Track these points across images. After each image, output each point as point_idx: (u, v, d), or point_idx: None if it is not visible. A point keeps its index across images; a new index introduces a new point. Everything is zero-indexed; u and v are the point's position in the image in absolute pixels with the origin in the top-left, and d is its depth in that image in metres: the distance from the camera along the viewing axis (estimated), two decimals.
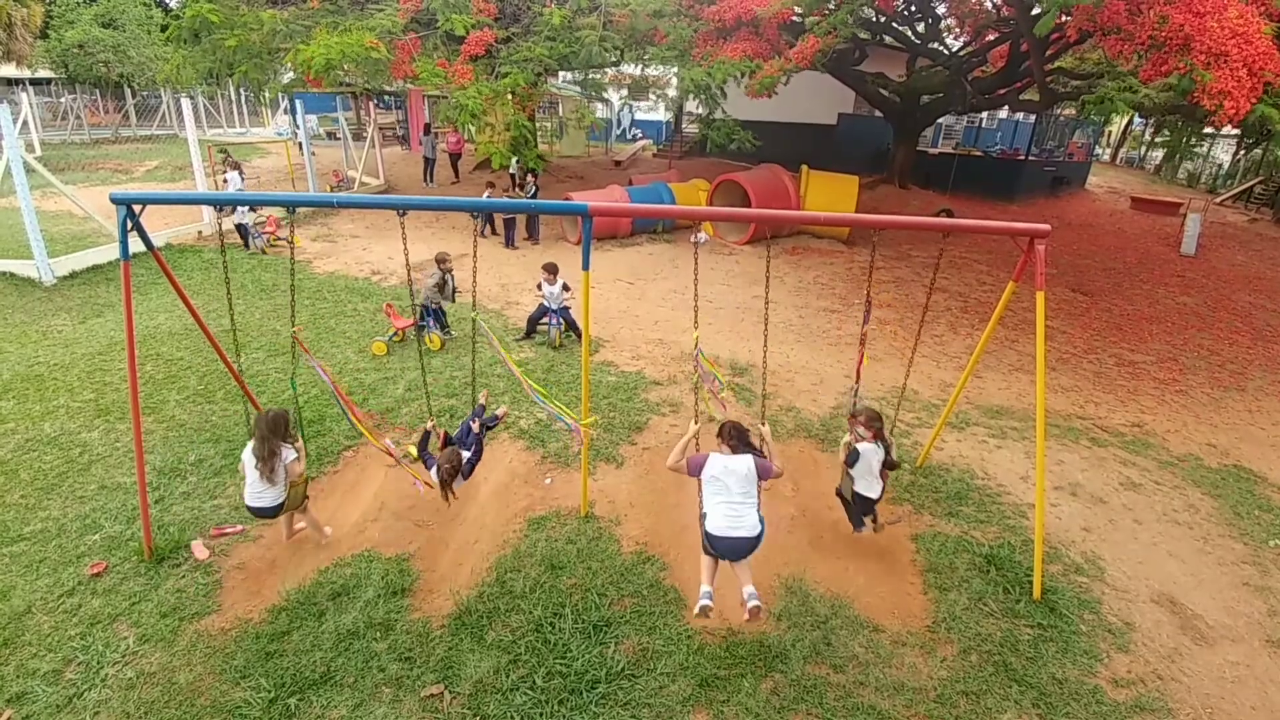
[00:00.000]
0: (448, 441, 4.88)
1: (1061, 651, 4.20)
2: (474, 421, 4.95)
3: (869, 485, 4.72)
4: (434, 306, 8.46)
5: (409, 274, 4.76)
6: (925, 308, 5.21)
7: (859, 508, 4.83)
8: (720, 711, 3.71)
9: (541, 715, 3.63)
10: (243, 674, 3.83)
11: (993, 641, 4.24)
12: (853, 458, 4.69)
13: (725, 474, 4.03)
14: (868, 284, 4.85)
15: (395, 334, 8.35)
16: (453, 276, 8.51)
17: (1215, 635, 4.51)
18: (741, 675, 3.92)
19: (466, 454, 4.68)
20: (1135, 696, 3.95)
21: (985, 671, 4.03)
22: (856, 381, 5.08)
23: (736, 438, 4.23)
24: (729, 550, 3.96)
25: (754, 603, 3.83)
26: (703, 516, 4.06)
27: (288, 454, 4.36)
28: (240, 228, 12.21)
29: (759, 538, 3.98)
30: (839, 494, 4.99)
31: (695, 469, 4.14)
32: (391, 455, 4.93)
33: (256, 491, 4.34)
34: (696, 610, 3.85)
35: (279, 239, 12.59)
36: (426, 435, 4.93)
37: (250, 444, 4.33)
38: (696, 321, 4.73)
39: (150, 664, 3.89)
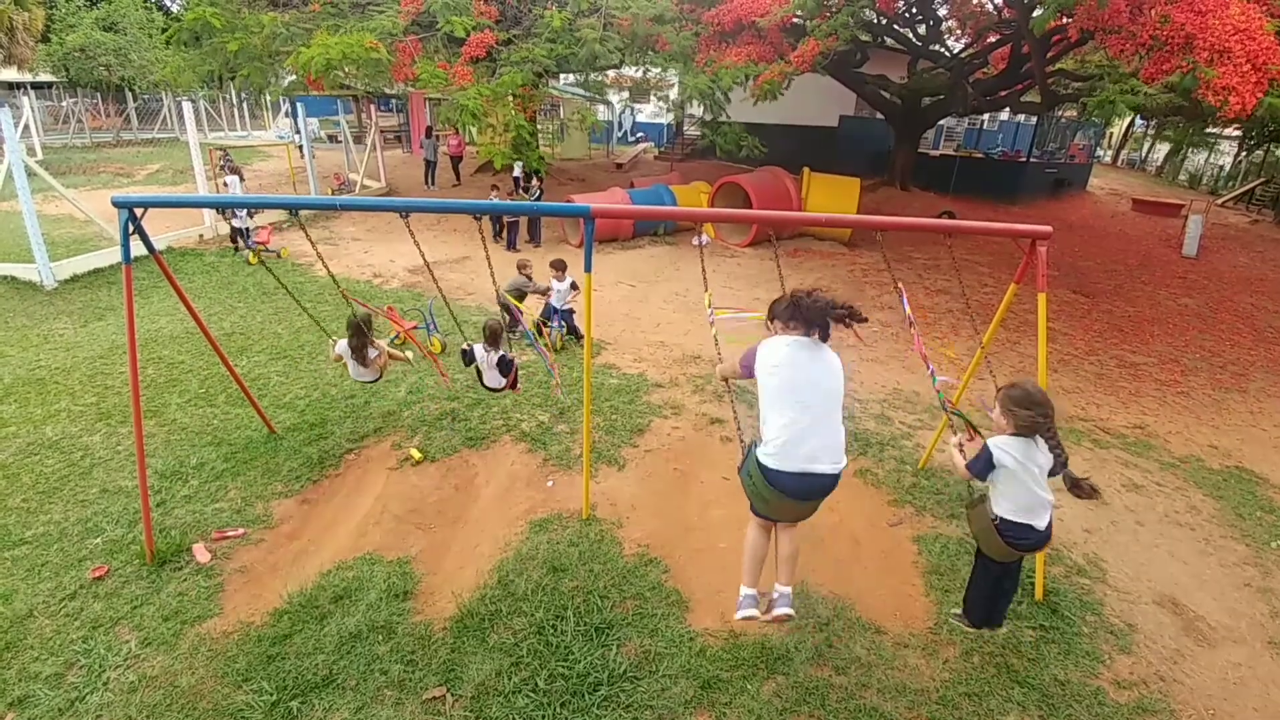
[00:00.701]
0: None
1: (1064, 653, 4.20)
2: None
3: (1027, 507, 3.07)
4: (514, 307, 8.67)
5: (431, 272, 4.82)
6: (965, 301, 5.17)
7: (1004, 547, 3.14)
8: (723, 714, 3.70)
9: (544, 718, 3.62)
10: (245, 677, 3.83)
11: (995, 643, 4.23)
12: (982, 462, 3.10)
13: (798, 370, 2.87)
14: (892, 278, 4.85)
15: (397, 336, 8.35)
16: (566, 282, 8.62)
17: (1217, 637, 4.50)
18: (744, 677, 3.91)
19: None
20: (1138, 698, 3.95)
21: (987, 673, 4.02)
22: (928, 365, 4.28)
23: (817, 311, 2.95)
24: (801, 490, 2.90)
25: (784, 610, 3.10)
26: (750, 447, 2.99)
27: (372, 352, 5.59)
28: (239, 231, 12.07)
29: (838, 476, 2.93)
30: (981, 545, 3.31)
31: (749, 363, 3.14)
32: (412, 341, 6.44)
33: (359, 374, 5.73)
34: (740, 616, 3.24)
35: (269, 251, 12.22)
36: (466, 352, 5.67)
37: (344, 341, 5.59)
38: (707, 287, 4.51)
39: (152, 667, 3.89)
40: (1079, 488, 3.03)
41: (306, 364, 7.80)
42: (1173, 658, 4.28)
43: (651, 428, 6.65)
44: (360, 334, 5.54)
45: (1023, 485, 3.08)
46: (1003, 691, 3.90)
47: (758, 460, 2.94)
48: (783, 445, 2.86)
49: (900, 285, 4.51)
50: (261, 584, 4.60)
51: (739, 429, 3.44)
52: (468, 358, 5.66)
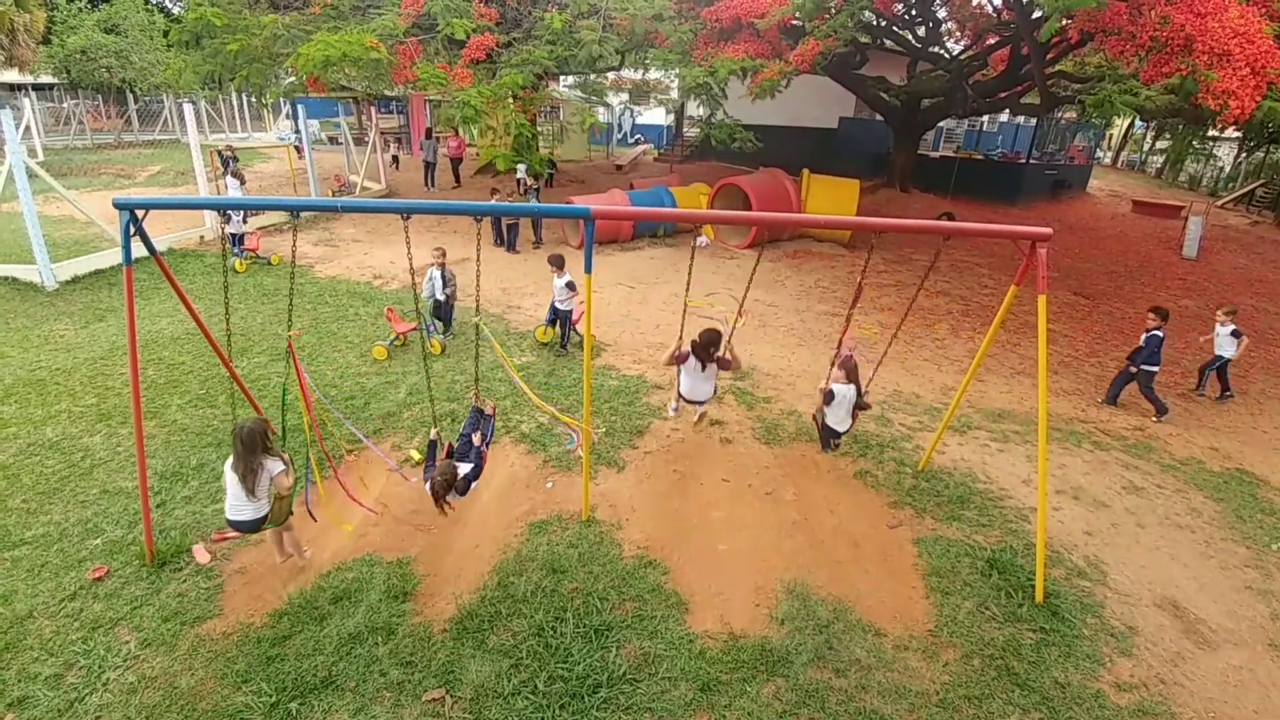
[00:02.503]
0: (451, 453, 4.74)
1: (1064, 655, 4.19)
2: (474, 434, 4.75)
3: (840, 420, 5.54)
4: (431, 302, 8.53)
5: (413, 277, 4.76)
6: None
7: (827, 436, 5.70)
8: (722, 716, 3.70)
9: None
10: (244, 678, 3.83)
11: (995, 646, 4.23)
12: (829, 397, 5.45)
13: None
14: (861, 275, 5.02)
15: (396, 338, 8.36)
16: (444, 270, 8.47)
17: (1218, 639, 4.49)
18: (743, 680, 3.91)
19: (465, 468, 4.46)
20: (1138, 701, 3.94)
21: (988, 676, 4.02)
22: (838, 348, 5.51)
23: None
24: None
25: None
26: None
27: (274, 466, 4.19)
28: (234, 237, 11.61)
29: None
30: (814, 419, 5.83)
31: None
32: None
33: (237, 505, 4.20)
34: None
35: (259, 258, 11.87)
36: (434, 445, 4.73)
37: (227, 462, 4.21)
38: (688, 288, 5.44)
39: (152, 668, 3.89)
40: (862, 406, 5.58)
41: (307, 365, 7.79)
42: (1173, 660, 4.28)
43: (651, 429, 6.65)
44: (252, 448, 4.05)
45: (842, 406, 5.45)
46: (1003, 694, 3.90)
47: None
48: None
49: (861, 287, 5.11)
50: (261, 585, 4.60)
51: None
52: (432, 457, 4.67)
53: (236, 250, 11.63)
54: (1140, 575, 5.04)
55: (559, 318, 8.43)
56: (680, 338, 5.63)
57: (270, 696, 3.70)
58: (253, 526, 4.28)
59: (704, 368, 5.56)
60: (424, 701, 3.72)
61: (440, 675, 3.88)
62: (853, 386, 5.45)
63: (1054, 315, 10.79)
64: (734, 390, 7.58)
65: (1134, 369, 7.84)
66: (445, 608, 4.39)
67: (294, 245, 5.05)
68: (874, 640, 4.24)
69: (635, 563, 4.82)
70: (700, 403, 6.00)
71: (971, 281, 12.93)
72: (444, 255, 8.58)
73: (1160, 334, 7.65)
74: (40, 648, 3.99)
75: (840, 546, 5.13)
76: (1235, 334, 8.27)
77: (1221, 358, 8.40)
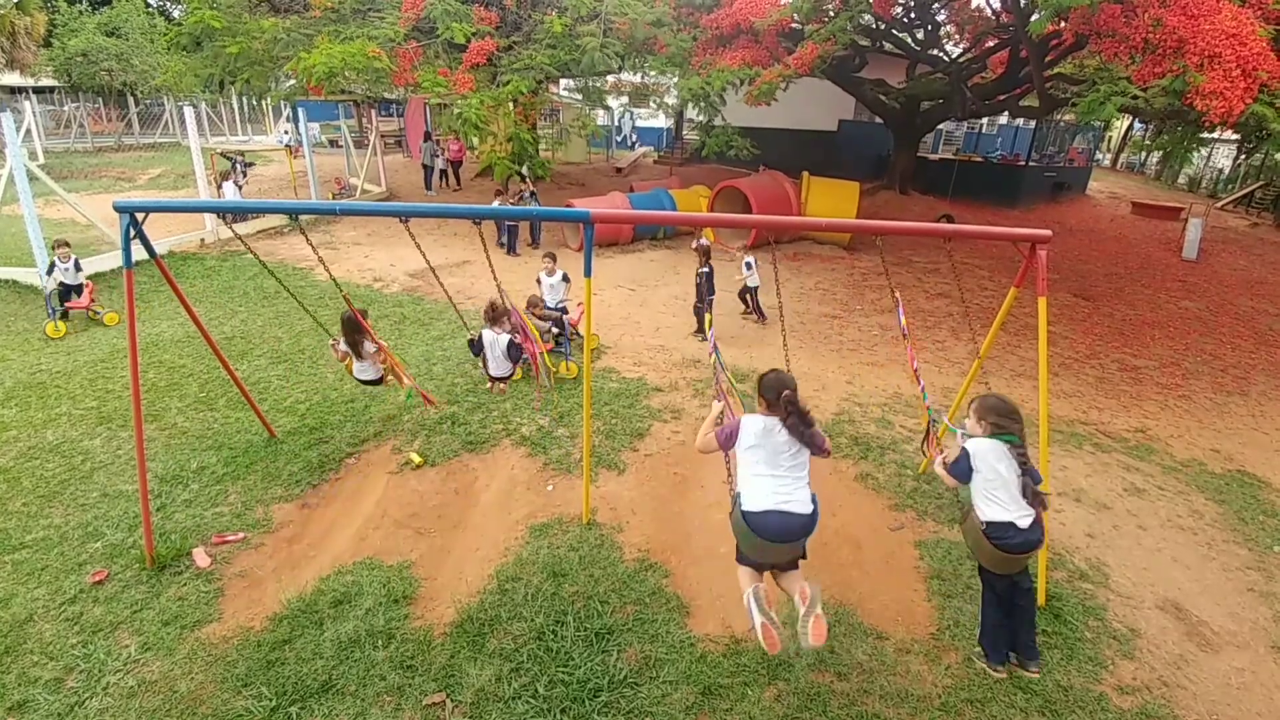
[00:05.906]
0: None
1: (1066, 658, 4.18)
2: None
3: (1005, 508, 3.27)
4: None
5: (437, 275, 4.78)
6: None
7: (994, 551, 3.33)
8: (724, 719, 3.69)
9: None
10: (244, 682, 3.82)
11: None
12: (962, 462, 3.37)
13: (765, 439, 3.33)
14: (891, 288, 4.86)
15: (523, 359, 8.03)
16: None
17: (1221, 641, 4.48)
18: (745, 683, 3.90)
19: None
20: (1141, 704, 3.93)
21: (990, 679, 4.00)
22: (919, 382, 4.68)
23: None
24: (776, 531, 3.25)
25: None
26: (736, 497, 3.43)
27: (368, 347, 5.56)
28: (68, 289, 9.06)
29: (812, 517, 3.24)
30: (979, 566, 3.59)
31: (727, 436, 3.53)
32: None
33: (360, 370, 5.70)
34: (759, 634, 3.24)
35: (94, 314, 9.20)
36: (473, 342, 5.84)
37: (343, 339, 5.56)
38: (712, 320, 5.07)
39: (151, 672, 3.88)
40: (1035, 481, 3.26)
41: (307, 368, 7.79)
42: (1176, 663, 4.26)
43: (651, 432, 6.64)
44: (352, 330, 5.60)
45: (1001, 483, 3.34)
46: (1005, 698, 3.88)
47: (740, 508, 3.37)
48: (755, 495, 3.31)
49: (898, 295, 4.56)
50: (261, 589, 4.59)
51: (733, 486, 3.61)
52: (475, 346, 5.79)
53: (52, 308, 8.81)
54: (1142, 577, 5.03)
55: (555, 324, 8.37)
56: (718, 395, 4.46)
57: (270, 700, 3.69)
58: (376, 383, 5.91)
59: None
60: (424, 705, 3.71)
61: (440, 679, 3.87)
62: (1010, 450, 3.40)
63: (1054, 317, 10.79)
64: (735, 393, 7.57)
65: (700, 303, 9.00)
66: (445, 611, 4.38)
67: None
68: (876, 643, 4.23)
69: (636, 566, 4.81)
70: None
71: (971, 283, 12.93)
72: (555, 259, 8.16)
73: (708, 270, 8.84)
74: (40, 651, 3.98)
75: (842, 549, 5.12)
76: (749, 265, 9.90)
77: (751, 287, 10.07)
